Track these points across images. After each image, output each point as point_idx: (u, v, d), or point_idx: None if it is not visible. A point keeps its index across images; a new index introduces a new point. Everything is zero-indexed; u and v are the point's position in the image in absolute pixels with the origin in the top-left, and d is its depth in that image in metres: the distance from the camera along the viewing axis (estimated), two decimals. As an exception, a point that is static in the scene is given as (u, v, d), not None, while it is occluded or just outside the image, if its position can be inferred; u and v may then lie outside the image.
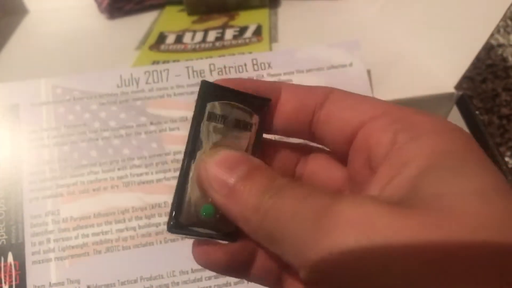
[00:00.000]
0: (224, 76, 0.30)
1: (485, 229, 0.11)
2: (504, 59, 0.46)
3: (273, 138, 0.19)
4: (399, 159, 0.14)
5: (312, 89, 0.17)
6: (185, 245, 0.27)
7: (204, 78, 0.30)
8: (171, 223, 0.16)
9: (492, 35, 0.40)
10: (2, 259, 0.26)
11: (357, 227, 0.12)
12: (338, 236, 0.12)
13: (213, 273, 0.26)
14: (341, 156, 0.18)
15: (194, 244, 0.17)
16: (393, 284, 0.11)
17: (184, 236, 0.16)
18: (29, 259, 0.26)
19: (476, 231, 0.11)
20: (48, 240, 0.26)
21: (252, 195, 0.15)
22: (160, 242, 0.27)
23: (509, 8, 0.28)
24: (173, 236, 0.27)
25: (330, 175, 0.18)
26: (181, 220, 0.16)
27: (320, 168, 0.19)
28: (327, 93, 0.17)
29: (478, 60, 0.45)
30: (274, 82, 0.18)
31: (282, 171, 0.19)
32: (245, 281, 0.26)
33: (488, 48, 0.46)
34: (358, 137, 0.16)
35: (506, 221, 0.11)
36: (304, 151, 0.19)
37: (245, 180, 0.15)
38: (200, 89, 0.16)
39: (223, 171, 0.15)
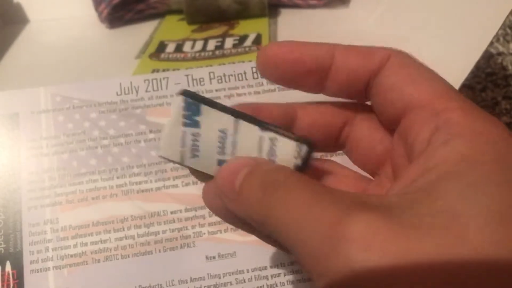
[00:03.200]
0: (223, 84, 0.30)
1: (497, 255, 0.11)
2: (504, 68, 0.46)
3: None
4: (426, 161, 0.13)
5: (368, 54, 0.17)
6: (184, 254, 0.27)
7: (203, 86, 0.30)
8: None
9: (491, 43, 0.40)
10: (0, 268, 0.26)
11: (366, 248, 0.12)
12: (348, 256, 0.12)
13: (212, 283, 0.26)
14: (389, 125, 0.17)
15: None
16: None
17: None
18: (27, 268, 0.26)
19: (488, 259, 0.11)
20: (47, 249, 0.26)
21: (253, 191, 0.14)
22: (159, 250, 0.27)
23: (508, 17, 0.28)
24: (172, 244, 0.27)
25: (375, 144, 0.18)
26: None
27: (366, 134, 0.18)
28: (385, 59, 0.16)
29: (477, 68, 0.45)
30: (329, 45, 0.17)
31: (327, 132, 0.18)
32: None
33: (488, 57, 0.46)
34: (402, 124, 0.16)
35: None
36: (353, 110, 0.18)
37: (246, 179, 0.15)
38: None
39: (229, 176, 0.15)
